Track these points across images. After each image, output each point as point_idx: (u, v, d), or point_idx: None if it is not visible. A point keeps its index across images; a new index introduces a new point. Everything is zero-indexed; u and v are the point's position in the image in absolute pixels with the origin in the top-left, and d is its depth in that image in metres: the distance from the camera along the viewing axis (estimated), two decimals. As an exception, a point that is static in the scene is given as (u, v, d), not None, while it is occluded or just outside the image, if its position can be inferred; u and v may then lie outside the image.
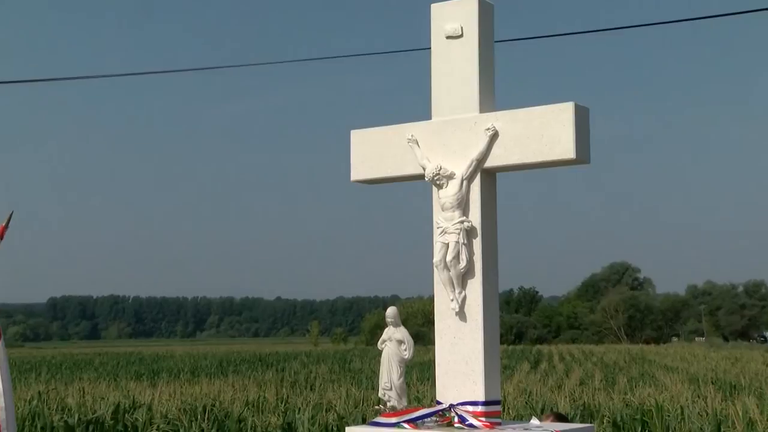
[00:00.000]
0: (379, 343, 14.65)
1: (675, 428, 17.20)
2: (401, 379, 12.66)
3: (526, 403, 20.30)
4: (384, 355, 14.09)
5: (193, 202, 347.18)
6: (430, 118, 8.41)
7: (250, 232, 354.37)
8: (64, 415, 19.17)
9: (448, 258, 8.04)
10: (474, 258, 8.02)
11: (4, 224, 6.95)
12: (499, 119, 8.06)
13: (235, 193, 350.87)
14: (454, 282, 8.01)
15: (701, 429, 16.50)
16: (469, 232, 8.03)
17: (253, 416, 19.26)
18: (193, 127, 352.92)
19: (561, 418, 7.00)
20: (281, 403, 21.34)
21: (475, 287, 8.00)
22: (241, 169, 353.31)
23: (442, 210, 8.13)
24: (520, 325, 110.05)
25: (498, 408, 7.88)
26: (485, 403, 7.76)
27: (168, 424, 18.61)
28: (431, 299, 8.71)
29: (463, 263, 8.00)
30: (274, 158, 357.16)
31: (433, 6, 8.41)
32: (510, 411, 18.74)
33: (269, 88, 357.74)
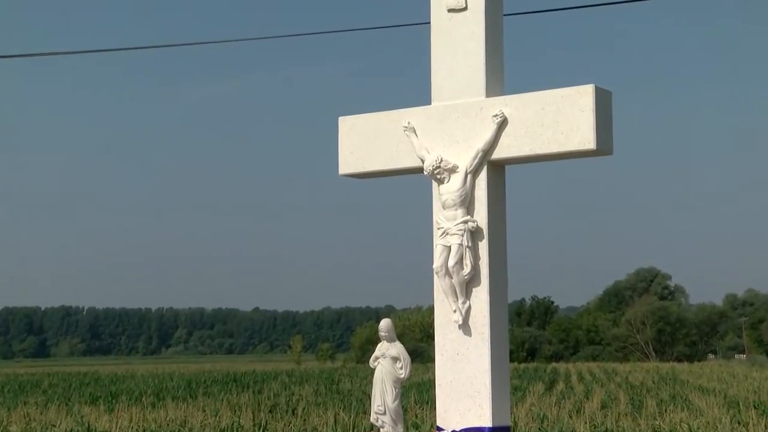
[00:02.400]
0: (371, 360, 14.68)
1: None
2: (396, 402, 12.71)
3: (539, 429, 20.35)
4: (377, 374, 14.10)
5: (157, 199, 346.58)
6: (430, 104, 8.45)
7: (223, 233, 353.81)
8: (9, 445, 19.18)
9: (450, 263, 8.08)
10: (480, 263, 8.07)
11: None
12: (508, 104, 8.12)
13: (205, 189, 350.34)
14: (457, 290, 8.05)
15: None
16: (474, 234, 8.07)
17: (226, 445, 19.29)
18: (156, 114, 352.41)
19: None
20: (259, 430, 21.36)
21: (480, 296, 8.05)
22: (213, 161, 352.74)
23: (444, 208, 8.18)
24: (533, 339, 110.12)
25: (507, 435, 7.92)
26: (493, 430, 7.80)
27: (128, 454, 18.64)
28: (431, 310, 8.76)
29: (467, 269, 8.04)
30: (250, 148, 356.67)
31: (433, -26, 8.44)
32: (521, 439, 18.78)
33: (245, 69, 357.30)
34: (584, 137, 7.62)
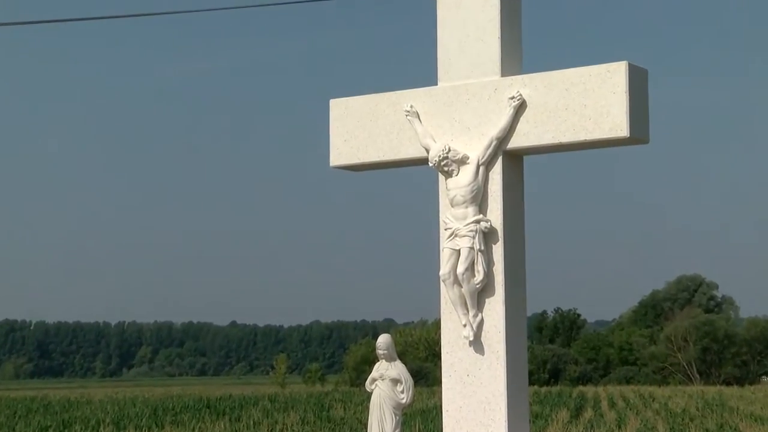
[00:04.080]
0: (367, 383, 14.70)
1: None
2: (397, 431, 12.73)
3: (564, 463, 20.38)
4: (374, 399, 14.10)
5: (117, 194, 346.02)
6: (436, 84, 8.47)
7: (195, 234, 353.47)
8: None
9: (459, 269, 8.10)
10: (494, 269, 8.08)
11: None
12: (527, 85, 8.14)
13: (174, 183, 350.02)
14: (468, 301, 8.07)
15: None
16: (488, 235, 8.09)
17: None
18: (121, 95, 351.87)
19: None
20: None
21: (495, 308, 8.07)
22: (184, 152, 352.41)
23: (452, 205, 8.20)
24: (557, 359, 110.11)
25: (526, 469, 7.95)
26: (509, 463, 7.83)
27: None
28: (437, 324, 8.82)
29: (479, 276, 8.06)
30: (227, 136, 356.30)
31: (440, -68, 8.46)
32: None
33: (221, 44, 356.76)
34: (616, 123, 7.65)
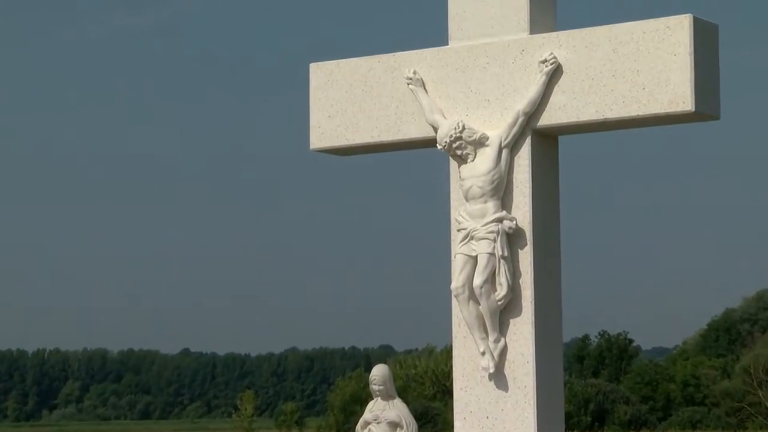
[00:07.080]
0: (358, 427, 14.81)
1: None
2: (396, 490, 12.76)
3: None
4: (367, 447, 14.12)
5: (36, 184, 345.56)
6: (446, 44, 8.49)
7: (138, 239, 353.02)
8: None
9: (477, 281, 8.10)
10: (520, 282, 8.10)
11: None
12: (563, 45, 8.15)
13: (111, 175, 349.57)
14: (488, 322, 8.09)
15: None
16: (513, 238, 8.10)
17: None
18: (50, 57, 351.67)
19: None
20: None
21: (522, 331, 8.09)
22: (121, 130, 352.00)
23: (467, 200, 8.21)
24: (603, 397, 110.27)
25: None
26: None
27: None
28: (448, 352, 8.84)
29: (501, 290, 8.07)
30: (178, 110, 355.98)
31: None
32: None
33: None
34: (677, 94, 7.67)
